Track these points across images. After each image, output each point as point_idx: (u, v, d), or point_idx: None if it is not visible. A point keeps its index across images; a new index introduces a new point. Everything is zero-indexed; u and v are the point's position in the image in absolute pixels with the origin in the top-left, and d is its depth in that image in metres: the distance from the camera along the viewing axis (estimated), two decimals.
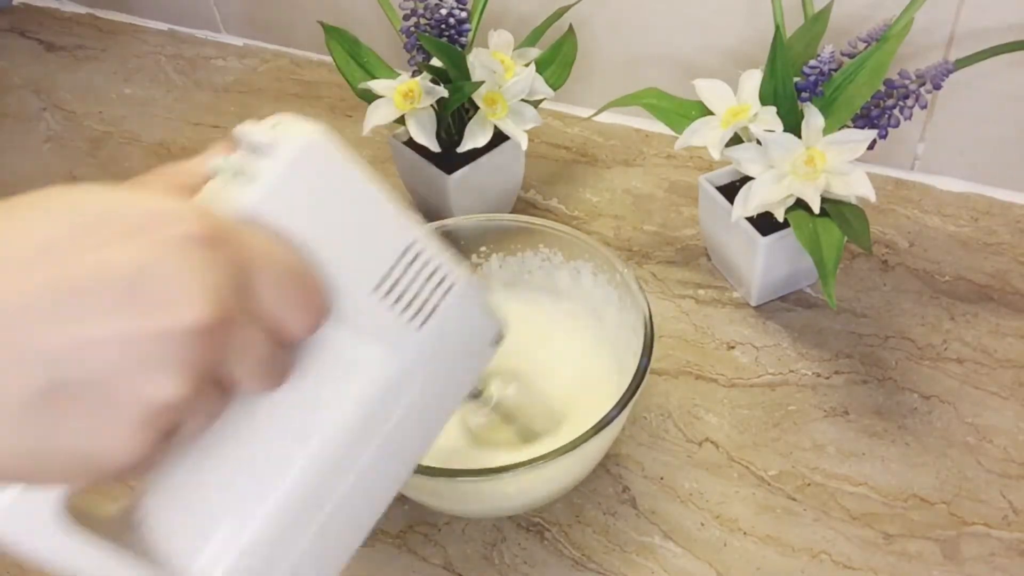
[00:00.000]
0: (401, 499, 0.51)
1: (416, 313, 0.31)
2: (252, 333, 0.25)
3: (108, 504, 0.30)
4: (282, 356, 0.27)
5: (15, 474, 0.24)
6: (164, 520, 0.30)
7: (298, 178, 0.27)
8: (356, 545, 0.34)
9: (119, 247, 0.23)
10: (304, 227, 0.27)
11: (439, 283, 0.32)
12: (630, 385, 0.44)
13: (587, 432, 0.42)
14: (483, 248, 0.56)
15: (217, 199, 0.27)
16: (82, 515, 0.26)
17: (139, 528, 0.30)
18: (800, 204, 0.53)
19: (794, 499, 0.50)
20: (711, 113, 0.57)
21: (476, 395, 0.43)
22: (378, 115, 0.61)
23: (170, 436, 0.25)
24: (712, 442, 0.53)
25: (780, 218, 0.53)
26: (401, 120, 0.61)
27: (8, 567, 0.49)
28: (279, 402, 0.30)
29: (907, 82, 0.52)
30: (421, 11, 0.59)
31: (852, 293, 0.61)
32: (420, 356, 0.32)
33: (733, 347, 0.59)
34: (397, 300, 0.30)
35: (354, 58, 0.65)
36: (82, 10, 1.05)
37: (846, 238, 0.51)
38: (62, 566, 0.26)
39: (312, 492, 0.31)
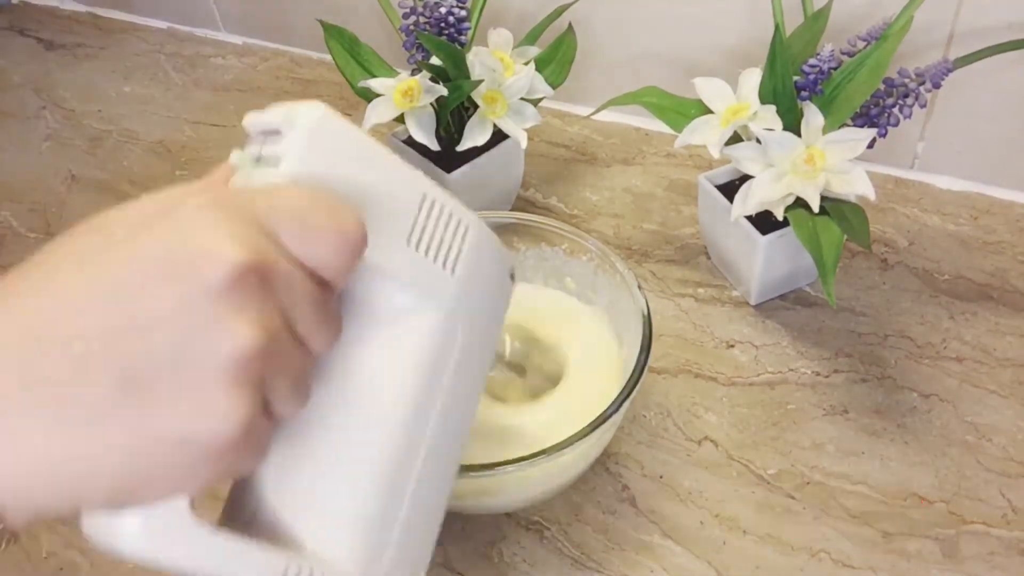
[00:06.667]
0: None
1: (446, 259, 0.33)
2: (295, 277, 0.25)
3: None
4: (332, 303, 0.28)
5: (130, 485, 0.24)
6: (277, 511, 0.30)
7: (318, 149, 0.29)
8: (441, 518, 0.36)
9: (144, 236, 0.24)
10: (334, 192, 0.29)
11: (457, 227, 0.33)
12: (627, 383, 0.44)
13: (584, 429, 0.42)
14: None
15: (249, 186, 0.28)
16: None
17: (253, 525, 0.30)
18: (800, 203, 0.53)
19: (793, 498, 0.50)
20: (711, 112, 0.56)
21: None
22: (377, 113, 0.61)
23: (262, 398, 0.25)
24: (711, 441, 0.53)
25: (780, 217, 0.53)
26: (400, 119, 0.61)
27: None
28: (350, 367, 0.31)
29: (907, 81, 0.52)
30: (420, 9, 0.59)
31: (851, 292, 0.61)
32: (459, 301, 0.33)
33: (732, 346, 0.59)
34: (427, 249, 0.32)
35: (353, 56, 0.65)
36: (81, 8, 1.05)
37: (845, 237, 0.51)
38: (210, 570, 0.27)
39: (400, 454, 0.32)
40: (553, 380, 0.51)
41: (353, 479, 0.31)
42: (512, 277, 0.38)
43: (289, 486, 0.30)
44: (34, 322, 0.23)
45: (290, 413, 0.27)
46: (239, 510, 0.31)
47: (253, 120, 0.29)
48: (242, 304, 0.24)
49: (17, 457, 0.22)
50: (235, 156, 0.29)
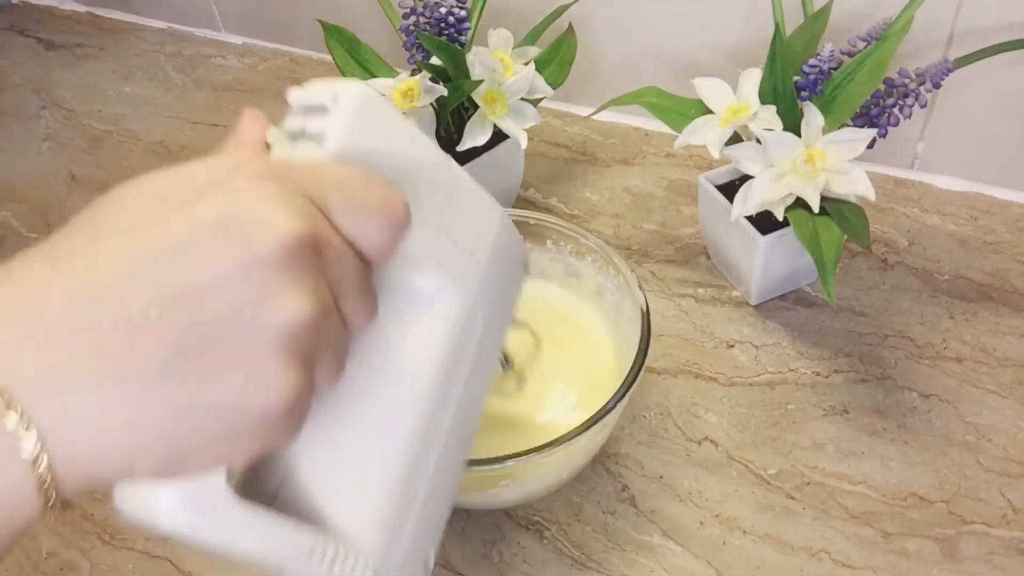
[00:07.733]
0: None
1: (472, 247, 0.33)
2: (344, 252, 0.26)
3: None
4: (372, 283, 0.27)
5: (181, 454, 0.23)
6: (302, 488, 0.30)
7: (362, 128, 0.29)
8: (451, 502, 0.35)
9: (199, 203, 0.23)
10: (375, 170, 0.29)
11: (483, 216, 0.33)
12: (625, 380, 0.44)
13: (581, 426, 0.42)
14: None
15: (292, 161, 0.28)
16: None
17: (276, 501, 0.30)
18: (800, 203, 0.53)
19: (793, 498, 0.50)
20: (711, 112, 0.56)
21: None
22: None
23: (311, 371, 0.25)
24: (711, 441, 0.53)
25: (780, 217, 0.53)
26: None
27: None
28: (377, 347, 0.31)
29: (907, 81, 0.52)
30: (420, 10, 0.59)
31: (852, 292, 0.61)
32: (481, 289, 0.33)
33: (732, 346, 0.59)
34: (455, 236, 0.32)
35: (353, 57, 0.65)
36: (81, 8, 1.05)
37: (845, 237, 0.51)
38: (243, 545, 0.26)
39: (423, 436, 0.32)
40: (533, 371, 0.51)
41: (378, 458, 0.31)
42: (526, 268, 0.38)
43: (316, 463, 0.30)
44: (86, 285, 0.22)
45: (327, 388, 0.27)
46: (260, 486, 0.30)
47: (296, 96, 0.29)
48: (297, 275, 0.24)
49: (72, 423, 0.22)
50: (273, 131, 0.29)
